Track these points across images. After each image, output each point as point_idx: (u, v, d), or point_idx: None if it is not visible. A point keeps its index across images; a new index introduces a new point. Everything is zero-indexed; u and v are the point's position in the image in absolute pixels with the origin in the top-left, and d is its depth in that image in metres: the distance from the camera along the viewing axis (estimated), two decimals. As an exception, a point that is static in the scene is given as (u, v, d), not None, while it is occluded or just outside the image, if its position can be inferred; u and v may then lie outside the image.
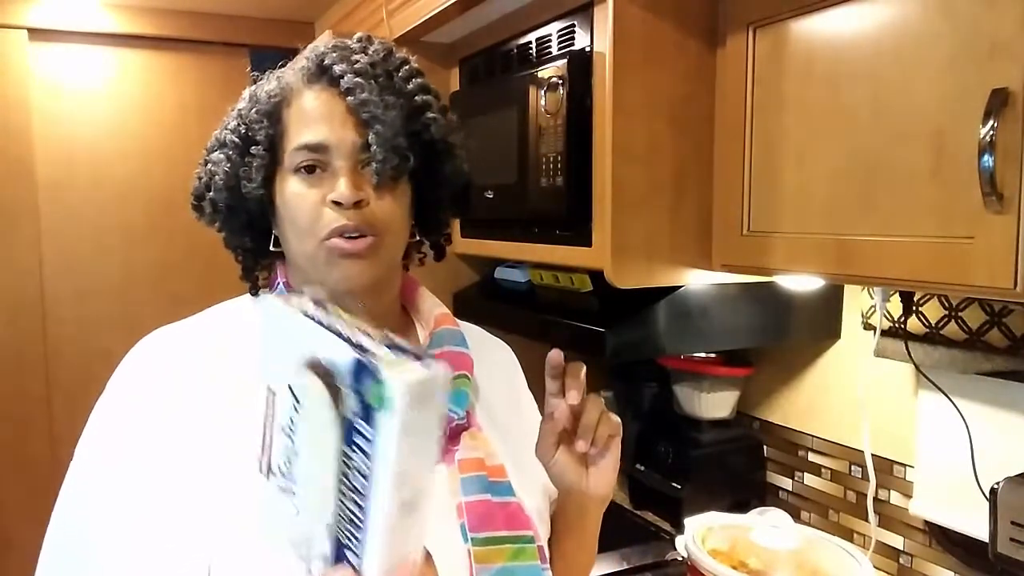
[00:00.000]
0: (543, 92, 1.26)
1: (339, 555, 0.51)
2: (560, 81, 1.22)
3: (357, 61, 0.74)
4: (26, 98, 2.33)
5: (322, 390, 0.50)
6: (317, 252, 0.73)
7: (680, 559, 1.40)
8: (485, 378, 0.87)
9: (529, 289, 1.60)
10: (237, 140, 0.76)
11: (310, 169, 0.73)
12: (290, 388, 0.53)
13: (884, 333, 1.26)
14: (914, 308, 1.20)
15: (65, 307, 2.42)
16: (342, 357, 0.49)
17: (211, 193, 0.78)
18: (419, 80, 0.78)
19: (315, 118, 0.73)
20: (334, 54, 0.75)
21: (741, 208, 1.12)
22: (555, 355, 0.75)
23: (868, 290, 1.30)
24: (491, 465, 0.77)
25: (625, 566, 1.42)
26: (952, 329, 1.15)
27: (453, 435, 0.77)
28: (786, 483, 1.55)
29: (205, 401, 0.70)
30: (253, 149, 0.75)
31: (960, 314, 1.14)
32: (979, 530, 1.12)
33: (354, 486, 0.49)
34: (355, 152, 0.73)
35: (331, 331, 0.51)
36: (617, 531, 1.57)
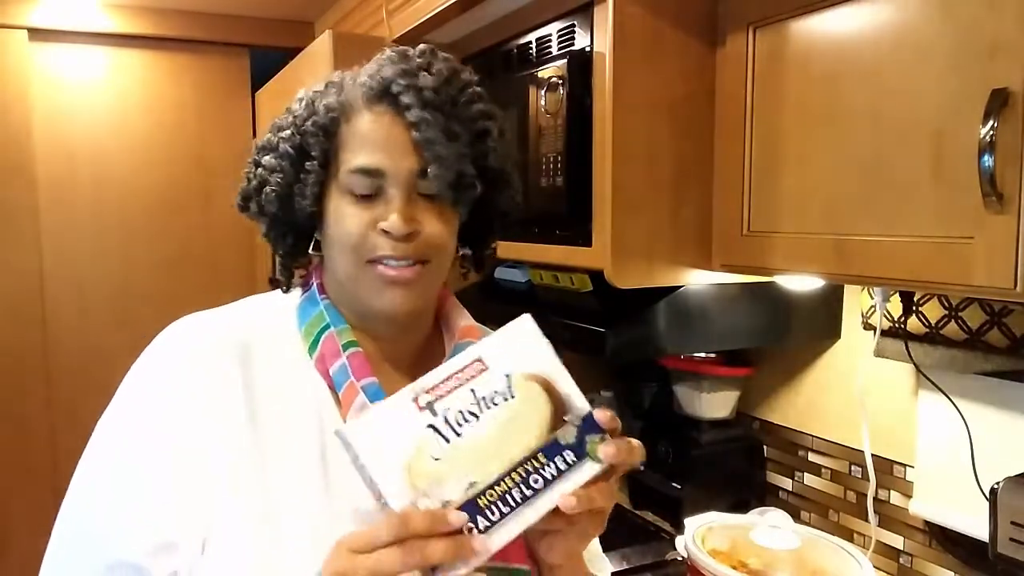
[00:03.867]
0: (543, 92, 1.26)
1: (467, 510, 0.59)
2: (560, 81, 1.22)
3: (423, 89, 0.71)
4: (26, 98, 2.33)
5: (547, 406, 0.64)
6: (361, 274, 0.73)
7: (680, 559, 1.39)
8: None
9: (529, 289, 1.60)
10: (291, 151, 0.74)
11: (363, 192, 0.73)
12: (508, 377, 0.64)
13: (884, 333, 1.26)
14: (914, 308, 1.20)
15: (65, 306, 2.42)
16: (581, 403, 0.66)
17: (261, 198, 0.76)
18: (481, 106, 0.77)
19: (374, 142, 0.72)
20: (401, 80, 0.71)
21: (741, 208, 1.12)
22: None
23: (868, 290, 1.30)
24: None
25: (625, 566, 1.42)
26: (952, 329, 1.15)
27: None
28: (786, 483, 1.55)
29: (233, 394, 0.71)
30: (308, 164, 0.73)
31: (960, 314, 1.14)
32: (979, 530, 1.12)
33: (529, 482, 0.62)
34: (412, 179, 0.72)
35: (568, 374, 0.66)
36: (617, 531, 1.57)
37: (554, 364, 0.66)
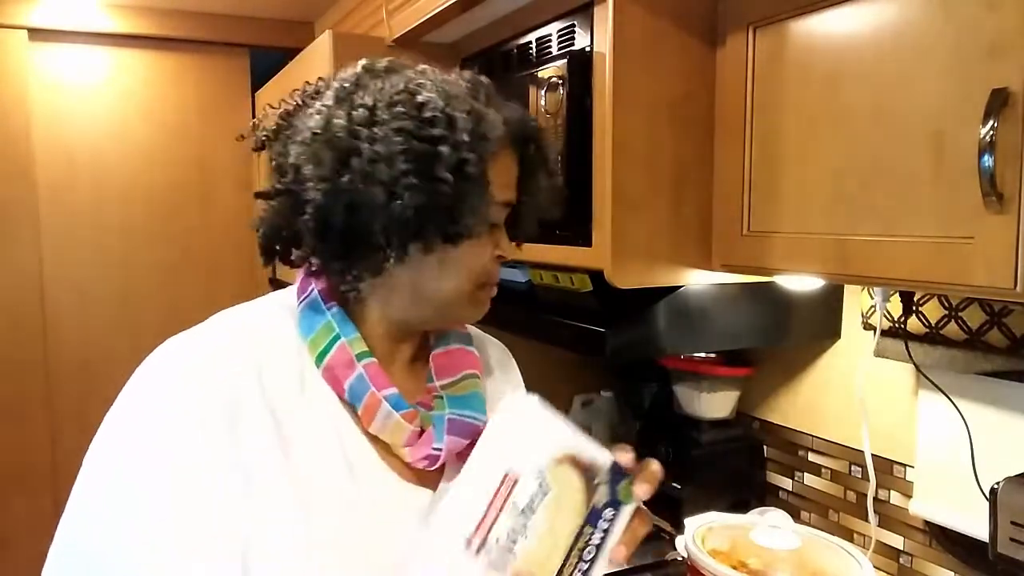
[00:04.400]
0: (543, 92, 1.26)
1: None
2: (560, 81, 1.22)
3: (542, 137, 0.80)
4: (26, 98, 2.33)
5: (579, 481, 0.65)
6: (471, 296, 0.77)
7: (680, 559, 1.39)
8: (485, 376, 0.88)
9: (529, 289, 1.60)
10: (463, 169, 0.67)
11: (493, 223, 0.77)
12: (540, 474, 0.65)
13: (884, 333, 1.26)
14: (914, 308, 1.20)
15: (65, 308, 2.42)
16: (604, 458, 0.66)
17: (385, 210, 0.66)
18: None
19: (510, 178, 0.77)
20: (533, 124, 0.79)
21: (741, 208, 1.12)
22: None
23: (868, 290, 1.30)
24: None
25: (625, 566, 1.42)
26: (952, 329, 1.15)
27: (472, 437, 0.76)
28: (786, 483, 1.55)
29: (238, 409, 0.67)
30: (477, 189, 0.69)
31: (960, 314, 1.14)
32: (979, 530, 1.12)
33: (583, 556, 0.65)
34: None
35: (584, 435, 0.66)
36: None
37: (571, 435, 0.67)
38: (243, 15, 2.53)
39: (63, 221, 2.41)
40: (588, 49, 1.18)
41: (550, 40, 1.31)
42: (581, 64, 1.18)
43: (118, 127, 2.47)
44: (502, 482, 0.64)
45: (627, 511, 0.66)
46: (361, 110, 0.68)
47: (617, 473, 0.66)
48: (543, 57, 1.33)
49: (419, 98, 0.68)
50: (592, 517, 0.65)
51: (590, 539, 0.65)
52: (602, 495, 0.66)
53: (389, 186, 0.66)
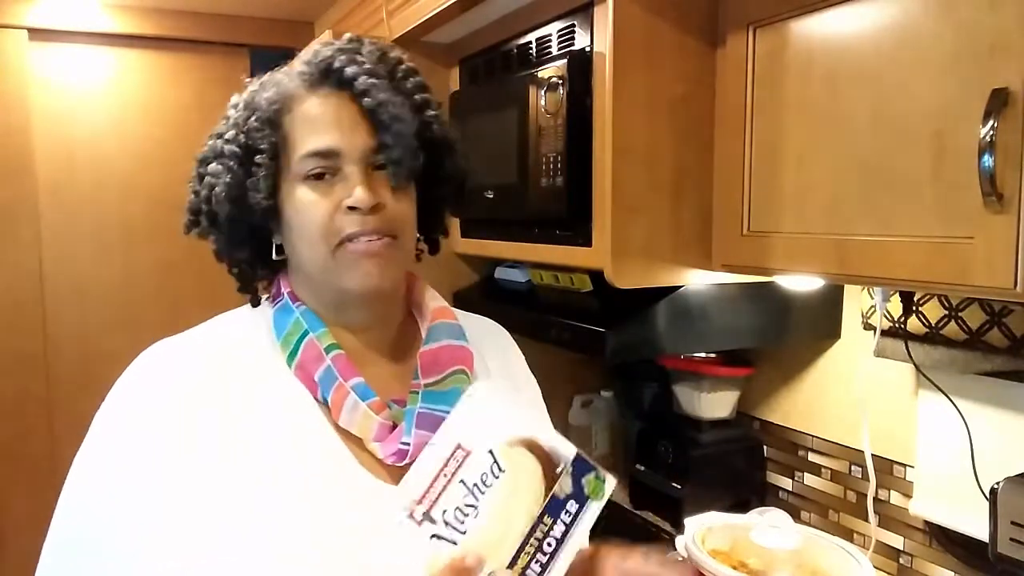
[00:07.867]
0: (543, 92, 1.26)
1: None
2: (560, 81, 1.22)
3: (364, 62, 0.73)
4: (26, 98, 2.33)
5: (537, 466, 0.64)
6: (333, 258, 0.73)
7: (680, 559, 1.39)
8: (482, 361, 0.87)
9: (529, 289, 1.60)
10: (237, 150, 0.73)
11: (319, 176, 0.72)
12: (491, 453, 0.63)
13: (884, 333, 1.26)
14: (914, 308, 1.20)
15: (65, 307, 2.42)
16: (566, 449, 0.65)
17: (212, 206, 0.75)
18: (416, 78, 0.78)
19: (323, 124, 0.72)
20: (342, 56, 0.73)
21: (741, 208, 1.12)
22: None
23: (868, 290, 1.30)
24: None
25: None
26: (952, 329, 1.15)
27: None
28: (786, 483, 1.55)
29: (210, 417, 0.69)
30: (258, 159, 0.72)
31: (960, 314, 1.14)
32: (979, 530, 1.12)
33: (543, 547, 0.63)
34: (367, 156, 0.73)
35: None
36: (617, 531, 1.57)
37: (529, 419, 0.66)
38: (243, 15, 2.53)
39: (63, 220, 2.41)
40: (588, 49, 1.18)
41: (550, 40, 1.31)
42: (581, 64, 1.18)
43: (118, 126, 2.47)
44: (452, 454, 0.62)
45: (595, 508, 0.65)
46: None
47: (581, 466, 0.65)
48: (543, 57, 1.33)
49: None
50: (552, 507, 0.63)
51: (551, 530, 0.63)
52: (565, 485, 0.64)
53: (210, 184, 0.76)
